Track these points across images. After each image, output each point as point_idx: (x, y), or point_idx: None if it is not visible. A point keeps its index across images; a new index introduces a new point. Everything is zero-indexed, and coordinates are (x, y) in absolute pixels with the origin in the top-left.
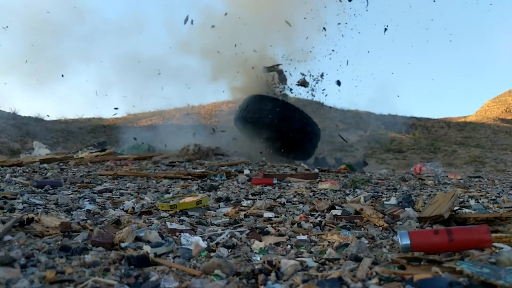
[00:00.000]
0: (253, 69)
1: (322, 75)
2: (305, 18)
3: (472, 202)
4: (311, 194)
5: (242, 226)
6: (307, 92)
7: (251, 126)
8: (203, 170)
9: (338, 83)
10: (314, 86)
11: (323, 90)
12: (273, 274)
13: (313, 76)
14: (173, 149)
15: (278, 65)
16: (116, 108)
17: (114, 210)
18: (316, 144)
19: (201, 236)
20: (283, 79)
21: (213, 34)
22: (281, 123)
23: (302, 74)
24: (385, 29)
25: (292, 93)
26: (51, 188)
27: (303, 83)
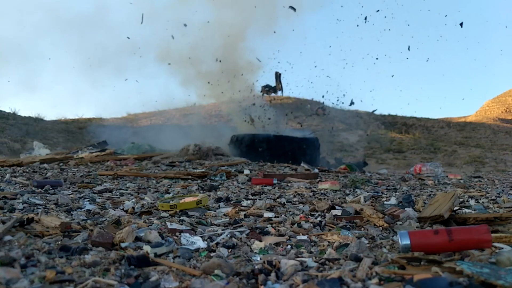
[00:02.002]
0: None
1: (352, 103)
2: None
3: (472, 202)
4: (311, 194)
5: (242, 226)
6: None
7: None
8: (203, 170)
9: (352, 103)
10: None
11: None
12: (273, 274)
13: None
14: (173, 149)
15: (281, 86)
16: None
17: (114, 210)
18: (318, 156)
19: (201, 236)
20: (270, 91)
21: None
22: (281, 160)
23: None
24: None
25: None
26: (51, 188)
27: (319, 113)
